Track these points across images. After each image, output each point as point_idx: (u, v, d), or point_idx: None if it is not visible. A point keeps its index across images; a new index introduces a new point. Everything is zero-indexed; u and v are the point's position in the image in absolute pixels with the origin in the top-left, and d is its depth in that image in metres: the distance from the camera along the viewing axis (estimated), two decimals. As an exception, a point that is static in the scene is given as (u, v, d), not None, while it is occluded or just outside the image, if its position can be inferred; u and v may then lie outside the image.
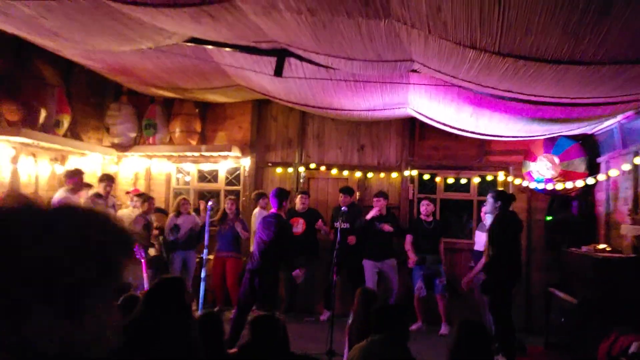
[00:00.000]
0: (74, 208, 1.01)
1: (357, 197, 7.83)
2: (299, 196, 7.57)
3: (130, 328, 2.81)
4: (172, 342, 2.68)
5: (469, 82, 4.80)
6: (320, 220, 7.50)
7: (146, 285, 6.11)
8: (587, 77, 3.99)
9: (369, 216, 7.18)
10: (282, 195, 5.91)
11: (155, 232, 7.24)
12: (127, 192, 8.25)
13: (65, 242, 0.91)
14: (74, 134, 7.96)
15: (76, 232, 0.94)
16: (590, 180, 6.57)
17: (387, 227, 7.12)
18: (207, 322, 3.43)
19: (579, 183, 6.62)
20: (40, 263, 0.87)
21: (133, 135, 8.51)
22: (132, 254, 1.01)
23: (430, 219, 7.25)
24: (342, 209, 6.48)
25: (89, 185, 7.13)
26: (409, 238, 7.19)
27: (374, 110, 6.61)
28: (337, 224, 6.30)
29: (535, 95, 4.72)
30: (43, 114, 6.83)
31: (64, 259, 0.89)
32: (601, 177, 6.55)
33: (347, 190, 7.48)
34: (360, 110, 6.71)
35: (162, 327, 2.72)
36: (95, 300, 0.93)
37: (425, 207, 7.22)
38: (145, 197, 7.41)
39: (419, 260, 7.05)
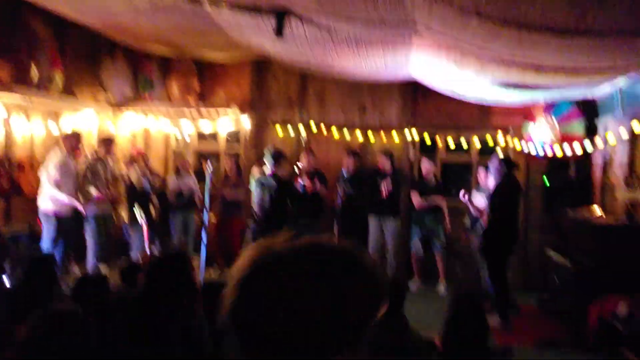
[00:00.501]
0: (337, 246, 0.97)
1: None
2: (304, 155, 7.50)
3: (132, 308, 2.83)
4: (176, 328, 2.70)
5: (472, 45, 4.72)
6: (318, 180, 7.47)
7: (147, 247, 6.18)
8: (593, 47, 3.94)
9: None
10: (278, 155, 5.91)
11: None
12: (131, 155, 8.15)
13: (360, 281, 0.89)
14: (67, 90, 7.79)
15: (364, 271, 0.91)
16: (588, 144, 6.57)
17: (387, 186, 7.09)
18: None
19: (577, 147, 6.63)
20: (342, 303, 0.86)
21: (129, 92, 8.35)
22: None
23: (431, 178, 7.23)
24: (343, 171, 6.47)
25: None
26: (415, 193, 7.22)
27: (376, 72, 6.50)
28: (340, 187, 6.33)
29: (538, 62, 4.66)
30: (35, 70, 6.68)
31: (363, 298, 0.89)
32: (599, 141, 6.55)
33: (352, 153, 7.45)
34: (362, 73, 6.60)
35: (165, 310, 2.73)
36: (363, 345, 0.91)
37: (425, 167, 7.19)
38: (135, 158, 7.40)
39: (418, 221, 7.13)
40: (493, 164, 5.87)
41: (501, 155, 6.72)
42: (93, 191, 6.55)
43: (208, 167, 6.10)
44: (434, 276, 7.20)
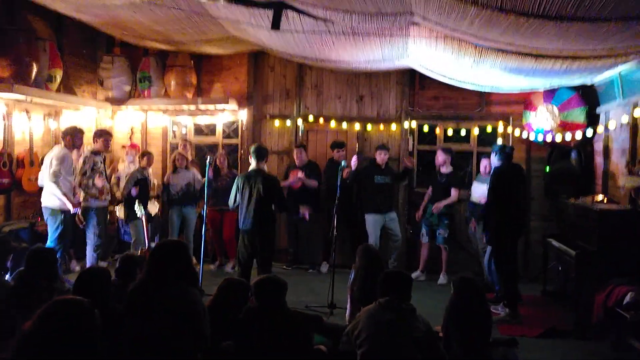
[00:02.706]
0: None
1: (357, 150, 7.81)
2: (295, 150, 7.54)
3: (132, 296, 2.85)
4: (175, 314, 2.71)
5: (470, 35, 4.70)
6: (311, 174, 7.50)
7: (146, 242, 6.17)
8: (591, 33, 3.91)
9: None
10: (262, 151, 5.89)
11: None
12: (123, 146, 8.19)
13: None
14: (67, 88, 7.83)
15: None
16: (589, 132, 6.55)
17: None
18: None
19: (578, 134, 6.60)
20: None
21: (127, 88, 8.37)
22: None
23: (445, 170, 7.18)
24: (342, 163, 6.45)
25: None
26: (429, 190, 7.32)
27: (373, 62, 6.48)
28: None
29: (537, 49, 4.64)
30: (35, 68, 6.69)
31: None
32: (600, 128, 6.52)
33: (339, 145, 7.48)
34: (359, 62, 6.58)
35: (164, 296, 2.74)
36: None
37: (439, 159, 7.16)
38: (143, 153, 7.40)
39: (423, 212, 7.19)
40: (492, 155, 5.88)
41: (500, 144, 6.72)
42: (97, 182, 6.56)
43: (207, 163, 6.10)
44: (437, 269, 7.20)
